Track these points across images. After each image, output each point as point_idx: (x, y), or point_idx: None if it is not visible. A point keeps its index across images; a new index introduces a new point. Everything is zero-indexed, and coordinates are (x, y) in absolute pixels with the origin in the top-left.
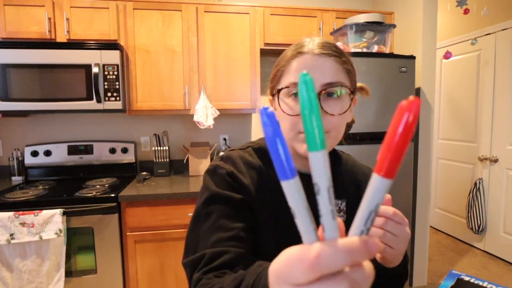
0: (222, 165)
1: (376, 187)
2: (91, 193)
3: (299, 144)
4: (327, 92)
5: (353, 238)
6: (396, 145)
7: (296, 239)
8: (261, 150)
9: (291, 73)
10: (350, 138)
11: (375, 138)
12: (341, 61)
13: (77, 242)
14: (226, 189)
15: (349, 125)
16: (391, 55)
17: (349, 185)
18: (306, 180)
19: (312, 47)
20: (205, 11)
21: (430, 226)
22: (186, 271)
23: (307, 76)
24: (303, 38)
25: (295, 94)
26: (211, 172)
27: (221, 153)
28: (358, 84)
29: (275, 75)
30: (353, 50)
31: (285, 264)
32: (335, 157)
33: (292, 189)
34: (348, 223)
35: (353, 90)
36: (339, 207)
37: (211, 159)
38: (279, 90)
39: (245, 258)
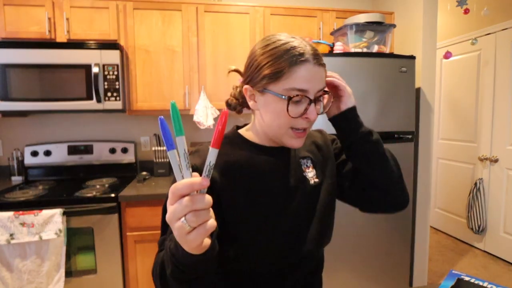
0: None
1: (210, 152)
2: (91, 193)
3: (288, 138)
4: (319, 96)
5: (195, 178)
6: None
7: (268, 203)
8: (225, 138)
9: (297, 79)
10: None
11: None
12: (325, 69)
13: (77, 242)
14: None
15: None
16: (391, 55)
17: (310, 146)
18: (277, 152)
19: (309, 55)
20: (205, 11)
21: (430, 226)
22: None
23: (174, 105)
24: (294, 41)
25: (297, 101)
26: None
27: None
28: None
29: (267, 74)
30: (353, 50)
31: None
32: None
33: (173, 154)
34: (317, 177)
35: (329, 92)
36: (307, 165)
37: None
38: (290, 98)
39: None
